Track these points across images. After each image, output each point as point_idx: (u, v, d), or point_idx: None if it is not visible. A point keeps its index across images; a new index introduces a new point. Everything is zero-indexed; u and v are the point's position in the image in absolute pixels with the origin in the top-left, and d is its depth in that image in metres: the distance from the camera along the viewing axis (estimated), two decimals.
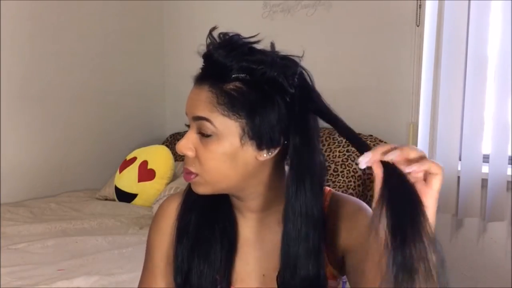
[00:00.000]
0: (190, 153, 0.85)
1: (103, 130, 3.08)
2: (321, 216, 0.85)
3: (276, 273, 0.88)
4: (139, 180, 2.65)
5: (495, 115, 2.24)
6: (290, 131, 0.83)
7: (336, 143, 2.40)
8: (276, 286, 0.88)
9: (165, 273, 0.97)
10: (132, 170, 2.69)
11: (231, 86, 0.81)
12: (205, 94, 0.82)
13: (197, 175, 0.85)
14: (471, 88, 2.28)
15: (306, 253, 0.84)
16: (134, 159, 2.73)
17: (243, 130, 0.82)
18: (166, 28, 3.37)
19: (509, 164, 2.26)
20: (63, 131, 2.91)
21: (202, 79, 0.84)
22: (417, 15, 2.40)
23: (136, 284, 1.61)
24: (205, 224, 0.92)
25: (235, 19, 2.95)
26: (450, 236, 2.33)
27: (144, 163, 2.67)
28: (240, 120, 0.82)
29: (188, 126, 0.87)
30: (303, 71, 0.85)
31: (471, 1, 2.28)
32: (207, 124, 0.82)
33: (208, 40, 0.85)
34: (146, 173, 2.63)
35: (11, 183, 2.66)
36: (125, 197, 2.69)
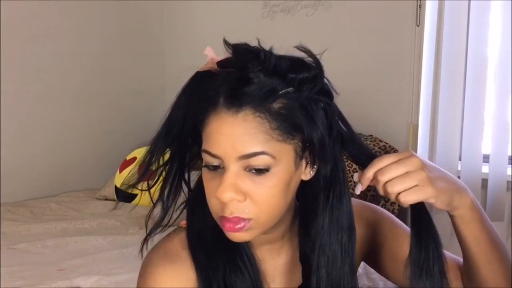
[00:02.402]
0: (240, 197, 0.68)
1: (103, 130, 3.08)
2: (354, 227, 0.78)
3: None
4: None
5: (495, 115, 2.24)
6: (333, 138, 0.74)
7: None
8: None
9: None
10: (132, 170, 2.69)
11: (278, 104, 0.68)
12: (253, 122, 0.67)
13: (250, 220, 0.69)
14: (471, 88, 2.28)
15: (350, 270, 0.77)
16: (134, 159, 2.73)
17: (295, 151, 0.70)
18: (166, 28, 3.37)
19: (509, 164, 2.26)
20: (63, 131, 2.90)
21: (237, 105, 0.67)
22: (417, 15, 2.40)
23: (136, 284, 1.59)
24: (233, 283, 0.76)
25: (235, 19, 2.95)
26: (450, 236, 2.32)
27: None
28: (293, 141, 0.70)
29: (215, 167, 0.70)
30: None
31: (471, 1, 2.28)
32: (264, 158, 0.67)
33: (222, 55, 0.72)
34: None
35: (11, 183, 2.66)
36: (125, 197, 2.69)
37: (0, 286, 1.63)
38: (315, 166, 0.74)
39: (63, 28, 2.85)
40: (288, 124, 0.68)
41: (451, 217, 0.77)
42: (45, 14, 2.77)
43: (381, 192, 0.71)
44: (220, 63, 0.72)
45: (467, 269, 0.81)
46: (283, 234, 0.81)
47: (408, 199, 0.70)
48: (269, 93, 0.68)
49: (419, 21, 2.40)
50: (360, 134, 2.40)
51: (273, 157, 0.68)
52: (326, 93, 0.73)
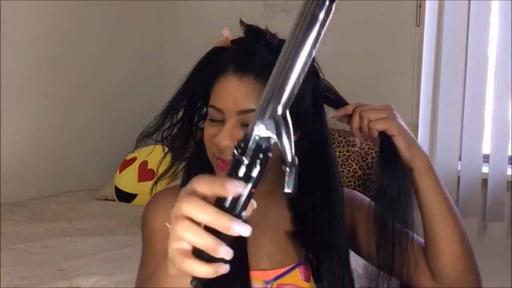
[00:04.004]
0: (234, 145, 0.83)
1: (103, 130, 3.08)
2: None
3: (278, 252, 0.92)
4: (139, 180, 2.65)
5: (495, 115, 2.24)
6: (318, 110, 0.88)
7: (336, 143, 2.40)
8: (279, 265, 0.92)
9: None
10: (132, 170, 2.69)
11: None
12: (253, 85, 0.81)
13: None
14: (471, 88, 2.28)
15: (345, 235, 0.91)
16: (134, 159, 2.73)
17: None
18: (166, 28, 3.37)
19: (509, 164, 2.26)
20: (63, 131, 2.90)
21: (243, 70, 0.82)
22: (417, 15, 2.40)
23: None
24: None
25: (235, 19, 2.95)
26: None
27: (144, 163, 2.67)
28: None
29: (217, 120, 0.84)
30: None
31: (471, 1, 2.28)
32: None
33: (237, 33, 0.86)
34: (146, 173, 2.63)
35: (11, 183, 2.66)
36: (125, 197, 2.69)
37: (0, 286, 1.63)
38: (298, 132, 0.87)
39: (63, 27, 2.85)
40: None
41: (411, 171, 0.87)
42: (45, 14, 2.77)
43: (357, 120, 0.87)
44: (233, 41, 0.86)
45: (424, 229, 0.89)
46: (269, 192, 0.91)
47: (376, 126, 0.85)
48: (270, 66, 0.80)
49: (419, 21, 2.40)
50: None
51: None
52: (314, 73, 0.87)
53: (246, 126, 0.79)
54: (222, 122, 0.83)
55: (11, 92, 2.65)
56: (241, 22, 0.87)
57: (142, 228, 1.00)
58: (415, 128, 2.43)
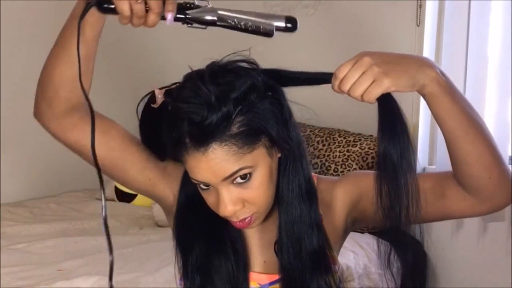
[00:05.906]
0: (239, 206, 0.81)
1: None
2: (315, 190, 0.90)
3: (274, 260, 0.91)
4: None
5: (495, 114, 2.24)
6: (287, 119, 0.83)
7: (336, 143, 2.39)
8: (274, 272, 0.91)
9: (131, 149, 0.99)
10: None
11: (236, 125, 0.78)
12: (222, 152, 0.77)
13: (254, 213, 0.83)
14: (471, 88, 2.28)
15: (309, 228, 0.87)
16: None
17: (266, 147, 0.81)
18: (166, 27, 3.37)
19: (509, 164, 2.25)
20: None
21: (204, 144, 0.77)
22: (417, 15, 2.40)
23: (136, 284, 1.61)
24: (215, 250, 0.90)
25: None
26: (450, 236, 2.32)
27: None
28: (260, 142, 0.80)
29: (208, 186, 0.82)
30: (254, 63, 0.84)
31: (472, 1, 2.27)
32: (243, 171, 0.79)
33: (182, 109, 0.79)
34: None
35: (11, 183, 2.66)
36: (125, 197, 2.69)
37: (0, 286, 1.63)
38: (279, 154, 0.85)
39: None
40: (251, 135, 0.79)
41: (423, 96, 0.80)
42: (45, 14, 2.77)
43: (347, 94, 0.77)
44: (167, 93, 0.86)
45: (450, 150, 0.85)
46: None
47: (370, 97, 0.75)
48: (225, 123, 0.77)
49: (419, 21, 2.40)
50: (360, 134, 2.40)
51: (250, 167, 0.79)
52: (267, 87, 0.81)
53: (239, 182, 0.79)
54: (213, 187, 0.81)
55: (12, 92, 2.65)
56: (168, 96, 0.85)
57: None
58: (415, 128, 2.43)
